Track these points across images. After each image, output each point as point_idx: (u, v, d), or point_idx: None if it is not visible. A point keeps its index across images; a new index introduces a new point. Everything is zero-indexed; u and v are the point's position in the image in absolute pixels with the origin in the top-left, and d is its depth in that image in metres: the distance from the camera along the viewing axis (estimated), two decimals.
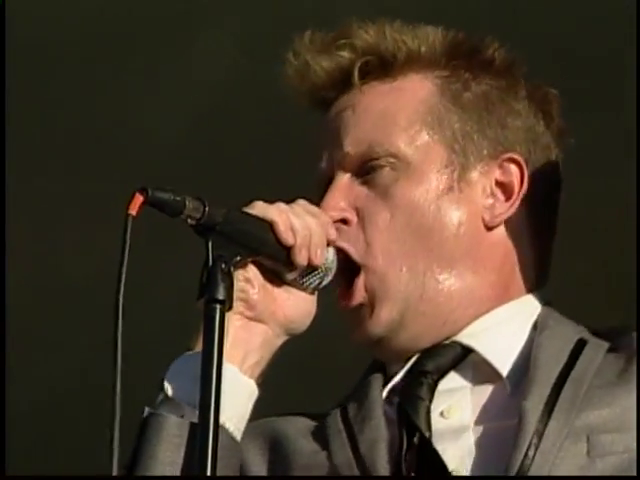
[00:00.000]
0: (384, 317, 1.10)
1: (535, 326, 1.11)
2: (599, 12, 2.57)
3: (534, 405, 1.03)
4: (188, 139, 2.51)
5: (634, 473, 0.99)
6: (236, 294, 1.01)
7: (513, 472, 1.00)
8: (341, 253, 1.10)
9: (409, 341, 1.11)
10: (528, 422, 1.02)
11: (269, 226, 1.03)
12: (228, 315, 1.01)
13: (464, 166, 1.11)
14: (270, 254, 1.04)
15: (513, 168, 1.12)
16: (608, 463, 0.99)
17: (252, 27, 2.44)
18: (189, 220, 0.98)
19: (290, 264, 1.04)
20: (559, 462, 1.00)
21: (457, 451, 1.05)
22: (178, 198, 0.97)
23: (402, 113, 1.12)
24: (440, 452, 1.04)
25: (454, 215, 1.10)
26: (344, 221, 1.11)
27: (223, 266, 0.97)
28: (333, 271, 1.07)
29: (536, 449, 1.00)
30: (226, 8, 2.44)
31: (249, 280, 1.05)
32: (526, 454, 1.01)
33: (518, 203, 1.12)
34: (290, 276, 1.05)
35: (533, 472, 0.99)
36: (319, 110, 1.18)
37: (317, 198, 1.12)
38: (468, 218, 1.10)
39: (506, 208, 1.12)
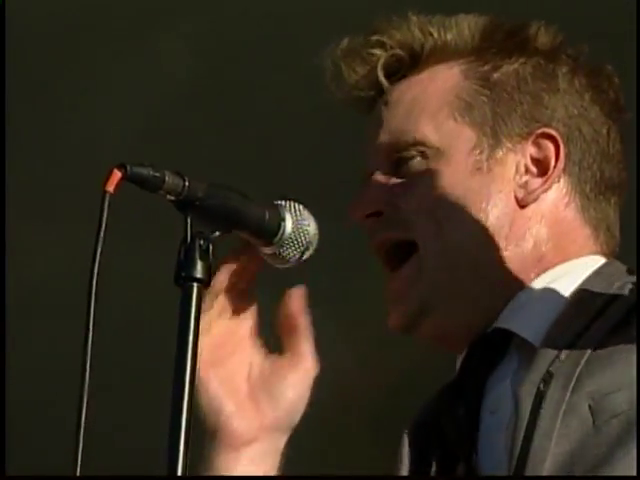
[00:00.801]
0: (414, 297, 1.08)
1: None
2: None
3: (528, 389, 0.99)
4: (151, 131, 2.54)
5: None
6: (221, 432, 1.00)
7: (514, 462, 0.97)
8: (386, 244, 1.11)
9: (445, 322, 1.09)
10: (522, 408, 0.98)
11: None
12: (223, 456, 1.00)
13: (494, 146, 1.09)
14: (250, 227, 1.00)
15: (548, 144, 1.10)
16: (614, 426, 0.94)
17: (212, 25, 2.48)
18: (168, 196, 0.94)
19: (270, 237, 1.00)
20: (563, 440, 0.96)
21: (491, 452, 1.03)
22: (157, 173, 0.93)
23: (430, 101, 1.11)
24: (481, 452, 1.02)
25: (484, 194, 1.08)
26: (378, 214, 1.10)
27: (202, 242, 0.93)
28: (314, 245, 1.02)
29: (533, 433, 0.97)
30: (189, 6, 2.48)
31: (229, 410, 1.01)
32: (523, 441, 0.97)
33: (556, 178, 1.10)
34: (269, 250, 1.00)
35: (534, 456, 0.95)
36: (367, 114, 1.18)
37: None
38: (499, 196, 1.09)
39: (541, 184, 1.10)
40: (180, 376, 0.90)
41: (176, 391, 0.90)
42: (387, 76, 1.13)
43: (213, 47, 2.47)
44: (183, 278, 0.92)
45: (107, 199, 0.91)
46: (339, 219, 1.23)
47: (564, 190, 1.11)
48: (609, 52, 2.55)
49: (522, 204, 1.09)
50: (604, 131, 1.14)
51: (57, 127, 2.53)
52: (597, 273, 1.10)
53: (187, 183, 0.94)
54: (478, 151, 1.10)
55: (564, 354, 1.00)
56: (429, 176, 1.09)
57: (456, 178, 1.08)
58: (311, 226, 1.01)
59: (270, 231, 0.99)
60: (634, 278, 1.07)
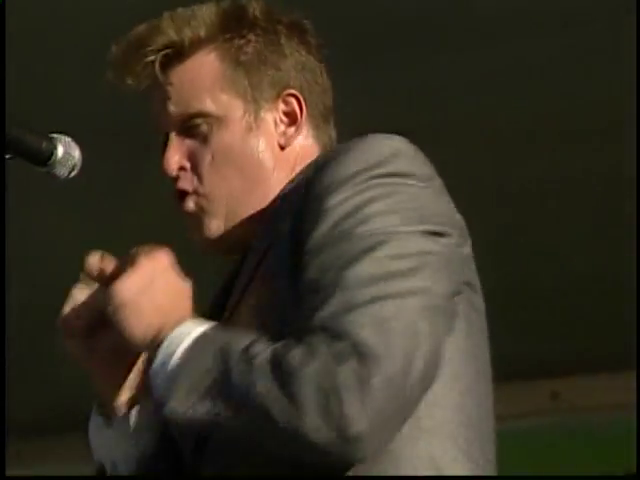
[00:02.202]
0: (213, 228, 1.31)
1: None
2: None
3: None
4: None
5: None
6: None
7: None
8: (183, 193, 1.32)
9: (231, 245, 1.33)
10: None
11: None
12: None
13: (256, 109, 1.31)
14: (27, 152, 1.23)
15: (292, 100, 1.33)
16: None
17: None
18: None
19: (45, 160, 1.24)
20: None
21: None
22: None
23: (204, 81, 1.31)
24: None
25: (255, 146, 1.32)
26: (182, 168, 1.31)
27: None
28: (78, 167, 1.27)
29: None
30: None
31: None
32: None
33: (304, 124, 1.35)
34: (45, 169, 1.24)
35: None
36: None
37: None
38: (266, 145, 1.32)
39: (294, 131, 1.33)
40: None
41: None
42: (163, 71, 1.32)
43: None
44: None
45: None
46: None
47: (307, 129, 1.34)
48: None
49: (282, 148, 1.32)
50: (319, 72, 1.37)
51: None
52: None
53: None
54: (247, 115, 1.31)
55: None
56: (215, 138, 1.30)
57: (235, 137, 1.31)
58: (76, 153, 1.26)
59: (45, 156, 1.24)
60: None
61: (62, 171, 1.26)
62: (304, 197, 1.21)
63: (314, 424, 1.04)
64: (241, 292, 1.28)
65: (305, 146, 1.36)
